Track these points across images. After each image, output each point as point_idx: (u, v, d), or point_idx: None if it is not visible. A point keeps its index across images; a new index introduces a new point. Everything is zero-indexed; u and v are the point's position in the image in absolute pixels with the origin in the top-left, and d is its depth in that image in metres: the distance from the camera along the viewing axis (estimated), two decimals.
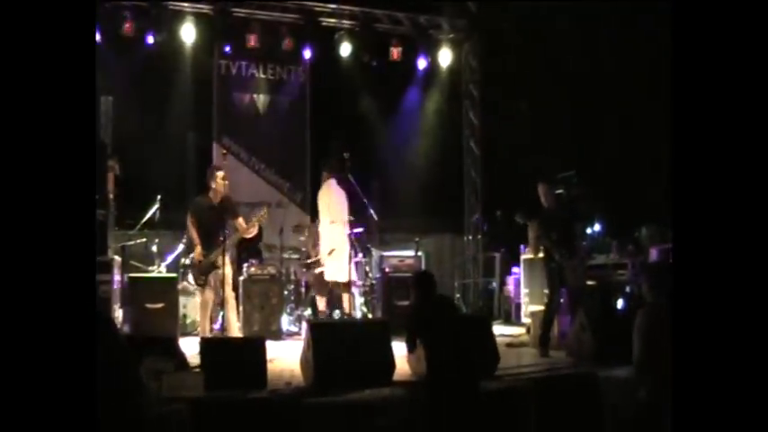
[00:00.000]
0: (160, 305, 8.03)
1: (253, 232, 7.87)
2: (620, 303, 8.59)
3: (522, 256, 10.17)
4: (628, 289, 8.82)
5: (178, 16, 10.62)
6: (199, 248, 7.60)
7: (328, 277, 8.90)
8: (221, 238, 7.41)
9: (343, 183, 8.96)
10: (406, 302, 8.80)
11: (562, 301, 7.48)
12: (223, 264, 7.41)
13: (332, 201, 8.93)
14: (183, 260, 8.95)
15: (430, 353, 5.04)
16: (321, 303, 9.15)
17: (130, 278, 8.43)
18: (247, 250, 9.63)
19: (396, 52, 11.57)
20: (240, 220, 7.80)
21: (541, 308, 7.85)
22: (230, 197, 7.87)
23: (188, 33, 10.68)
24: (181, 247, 9.09)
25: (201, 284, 7.66)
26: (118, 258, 8.59)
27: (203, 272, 7.60)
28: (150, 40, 10.47)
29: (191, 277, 8.08)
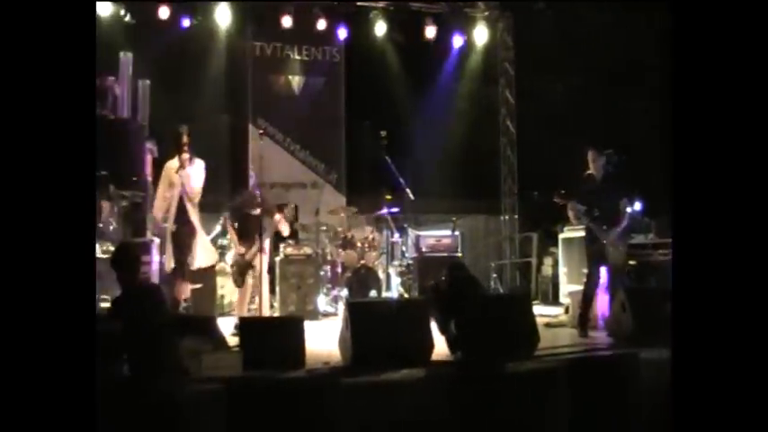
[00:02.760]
0: (198, 285, 8.10)
1: (285, 231, 8.26)
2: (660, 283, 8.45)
3: (561, 236, 10.05)
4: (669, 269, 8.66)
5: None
6: (237, 246, 7.89)
7: None
8: (257, 236, 7.57)
9: None
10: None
11: (602, 280, 7.36)
12: (260, 262, 7.57)
13: None
14: (219, 241, 9.03)
15: (459, 335, 5.03)
16: None
17: None
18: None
19: (430, 31, 11.47)
20: (276, 217, 8.16)
21: (580, 287, 7.74)
22: (268, 199, 8.19)
23: (222, 16, 10.71)
24: (218, 229, 9.17)
25: (240, 286, 7.87)
26: (157, 240, 8.66)
27: (241, 272, 7.80)
28: (185, 23, 10.53)
29: (228, 257, 8.14)
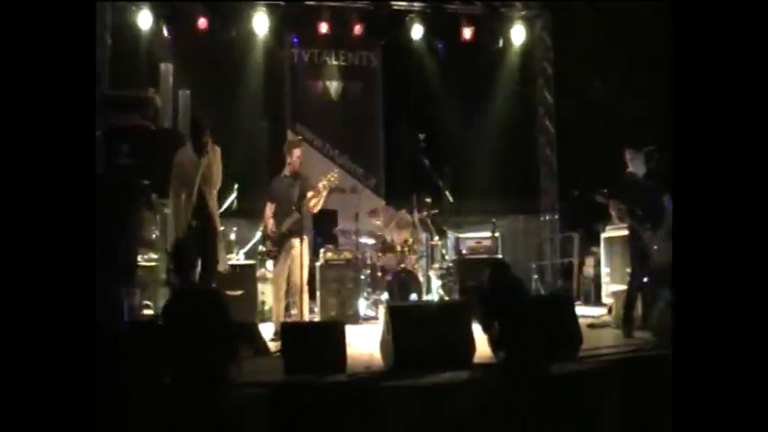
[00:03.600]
0: (239, 292, 8.17)
1: (323, 194, 7.74)
2: None
3: (602, 235, 9.93)
4: None
5: (249, 8, 10.75)
6: (272, 221, 7.61)
7: None
8: (294, 209, 7.41)
9: None
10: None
11: (646, 279, 7.25)
12: (301, 241, 7.35)
13: None
14: (260, 248, 9.08)
15: (503, 335, 4.97)
16: None
17: None
18: (322, 235, 9.70)
19: (467, 32, 11.43)
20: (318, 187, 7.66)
21: (623, 287, 7.64)
22: (305, 174, 7.87)
23: (260, 24, 10.81)
24: (258, 235, 9.22)
25: (274, 257, 7.61)
26: None
27: (275, 242, 7.57)
28: (223, 33, 10.66)
29: (269, 264, 8.08)
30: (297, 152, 7.70)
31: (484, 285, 5.89)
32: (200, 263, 6.11)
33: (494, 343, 5.64)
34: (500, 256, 9.70)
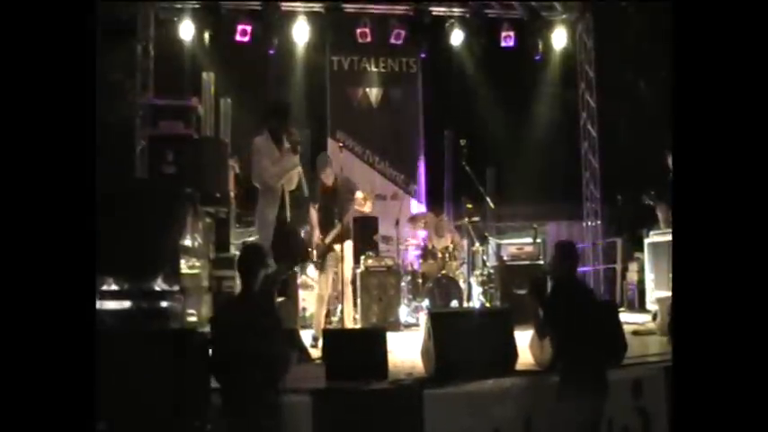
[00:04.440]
0: (281, 298, 8.20)
1: (368, 205, 7.85)
2: None
3: (647, 240, 9.79)
4: None
5: (290, 16, 10.82)
6: (317, 231, 7.68)
7: None
8: (336, 220, 7.47)
9: None
10: (524, 291, 8.63)
11: None
12: (342, 247, 7.40)
13: None
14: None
15: (562, 341, 4.86)
16: None
17: None
18: (364, 242, 9.71)
19: (508, 37, 11.37)
20: (358, 194, 7.87)
21: (668, 293, 7.51)
22: (347, 178, 7.93)
23: (300, 33, 10.87)
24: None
25: (320, 269, 7.69)
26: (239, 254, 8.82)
27: (320, 254, 7.65)
28: (264, 41, 10.75)
29: (310, 271, 8.12)
30: (328, 170, 7.72)
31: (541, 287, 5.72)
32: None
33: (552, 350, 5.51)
34: (541, 263, 9.59)
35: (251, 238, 9.36)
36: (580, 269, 11.74)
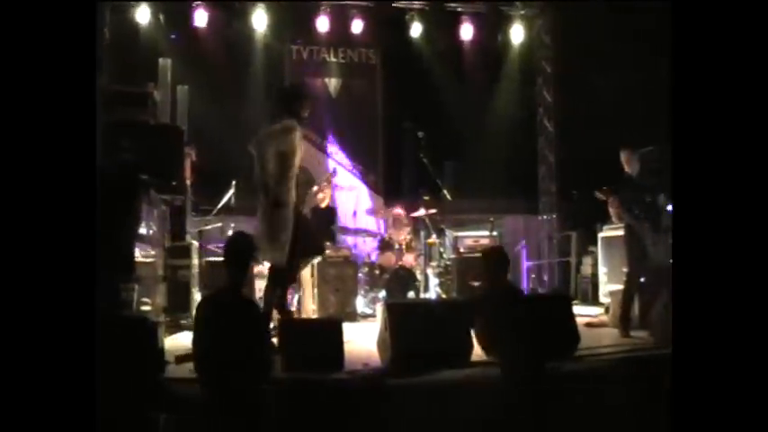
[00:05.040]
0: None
1: (325, 197, 7.79)
2: None
3: (600, 234, 9.94)
4: None
5: (249, 4, 10.73)
6: None
7: None
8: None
9: None
10: (479, 283, 8.70)
11: (643, 279, 7.27)
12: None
13: None
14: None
15: (496, 343, 4.95)
16: None
17: (208, 262, 8.61)
18: (322, 233, 9.68)
19: (467, 31, 11.43)
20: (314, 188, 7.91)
21: (621, 287, 7.65)
22: (305, 169, 7.87)
23: (259, 21, 10.79)
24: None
25: None
26: (195, 243, 8.76)
27: None
28: (222, 29, 10.65)
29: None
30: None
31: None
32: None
33: (485, 343, 5.64)
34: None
35: (207, 227, 9.30)
36: (535, 262, 11.92)
